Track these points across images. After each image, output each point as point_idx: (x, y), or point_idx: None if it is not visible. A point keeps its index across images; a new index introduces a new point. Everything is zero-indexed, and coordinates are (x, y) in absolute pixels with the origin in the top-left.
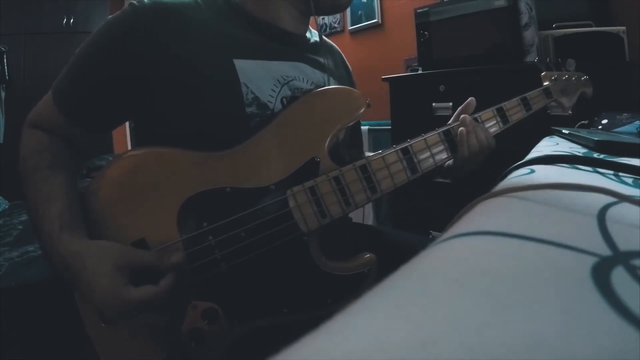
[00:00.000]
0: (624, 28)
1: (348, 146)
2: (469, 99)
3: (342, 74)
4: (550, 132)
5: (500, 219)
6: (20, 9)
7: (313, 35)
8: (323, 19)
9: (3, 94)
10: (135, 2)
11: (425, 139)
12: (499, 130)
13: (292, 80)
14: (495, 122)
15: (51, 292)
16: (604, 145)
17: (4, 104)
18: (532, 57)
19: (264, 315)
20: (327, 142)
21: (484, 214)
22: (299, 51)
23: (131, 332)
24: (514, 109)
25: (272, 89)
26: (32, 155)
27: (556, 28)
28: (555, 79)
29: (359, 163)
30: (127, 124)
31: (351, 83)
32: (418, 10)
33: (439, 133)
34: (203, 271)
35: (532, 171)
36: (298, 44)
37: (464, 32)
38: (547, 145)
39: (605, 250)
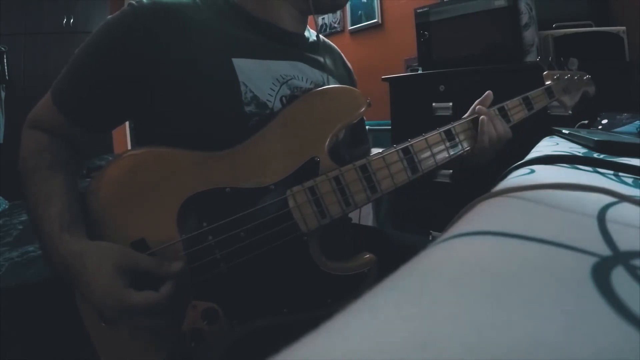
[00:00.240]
0: (624, 28)
1: (354, 144)
2: (487, 92)
3: (342, 73)
4: (550, 132)
5: (500, 219)
6: (20, 9)
7: (311, 34)
8: (323, 19)
9: (3, 94)
10: (134, 2)
11: (426, 138)
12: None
13: (291, 79)
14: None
15: (51, 292)
16: (604, 145)
17: (4, 104)
18: (532, 57)
19: (264, 315)
20: (327, 142)
21: (484, 214)
22: (298, 50)
23: (131, 332)
24: (516, 109)
25: (271, 88)
26: (32, 156)
27: (556, 28)
28: (558, 78)
29: (359, 163)
30: (127, 124)
31: (351, 82)
32: (418, 10)
33: (440, 133)
34: (203, 271)
35: (532, 171)
36: (297, 44)
37: (464, 32)
38: (547, 145)
39: (605, 250)
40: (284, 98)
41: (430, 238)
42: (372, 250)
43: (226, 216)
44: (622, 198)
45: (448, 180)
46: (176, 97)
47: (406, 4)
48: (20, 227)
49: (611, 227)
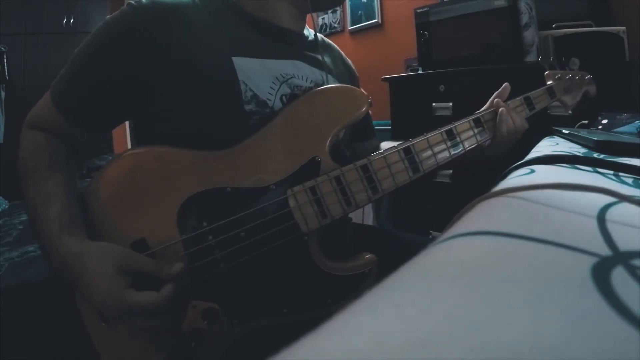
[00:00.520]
0: (624, 28)
1: (362, 139)
2: (504, 84)
3: (342, 71)
4: (550, 132)
5: (500, 219)
6: (20, 9)
7: (310, 33)
8: (323, 18)
9: (3, 94)
10: (133, 2)
11: (427, 138)
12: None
13: (291, 78)
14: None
15: (51, 292)
16: (604, 145)
17: (4, 104)
18: (532, 57)
19: (264, 315)
20: (328, 142)
21: (484, 214)
22: (297, 49)
23: (131, 332)
24: (517, 109)
25: (271, 87)
26: (31, 156)
27: (556, 28)
28: (559, 77)
29: (360, 163)
30: (127, 123)
31: (351, 80)
32: (418, 10)
33: (441, 132)
34: (203, 271)
35: (532, 171)
36: (296, 42)
37: (464, 32)
38: (547, 145)
39: (605, 250)
40: (284, 97)
41: (430, 238)
42: (372, 250)
43: (226, 216)
44: (622, 198)
45: (448, 180)
46: (176, 96)
47: (406, 4)
48: (20, 227)
49: (611, 227)
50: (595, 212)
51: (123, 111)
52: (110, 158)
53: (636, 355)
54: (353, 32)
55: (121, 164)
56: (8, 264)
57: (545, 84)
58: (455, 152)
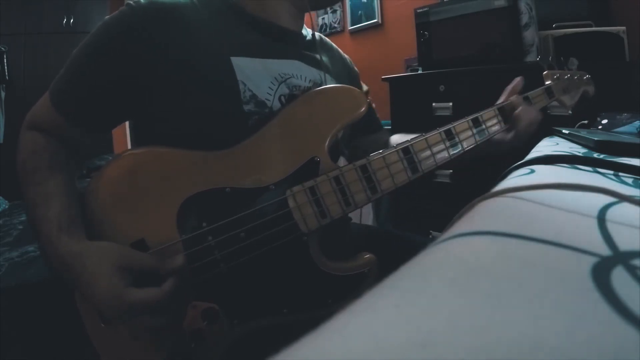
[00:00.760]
0: (624, 28)
1: (369, 132)
2: (518, 78)
3: (340, 70)
4: (550, 132)
5: (500, 219)
6: (20, 9)
7: (308, 33)
8: (323, 18)
9: (3, 94)
10: (131, 2)
11: (426, 138)
12: (501, 130)
13: (290, 78)
14: (496, 121)
15: (51, 292)
16: (604, 145)
17: (4, 104)
18: (532, 57)
19: (264, 315)
20: (327, 142)
21: (484, 214)
22: (295, 48)
23: (132, 332)
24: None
25: (270, 87)
26: (30, 157)
27: (556, 28)
28: (558, 77)
29: (359, 163)
30: (127, 123)
31: (351, 77)
32: (418, 10)
33: (440, 132)
34: (203, 271)
35: (532, 171)
36: (295, 41)
37: (464, 32)
38: (547, 145)
39: (605, 250)
40: (282, 97)
41: (430, 238)
42: (372, 250)
43: (226, 216)
44: (622, 198)
45: (448, 180)
46: (175, 96)
47: (406, 4)
48: (20, 227)
49: (611, 227)
50: (595, 212)
51: (122, 111)
52: (110, 158)
53: (636, 355)
54: (353, 32)
55: (120, 165)
56: (8, 264)
57: (543, 84)
58: (454, 152)
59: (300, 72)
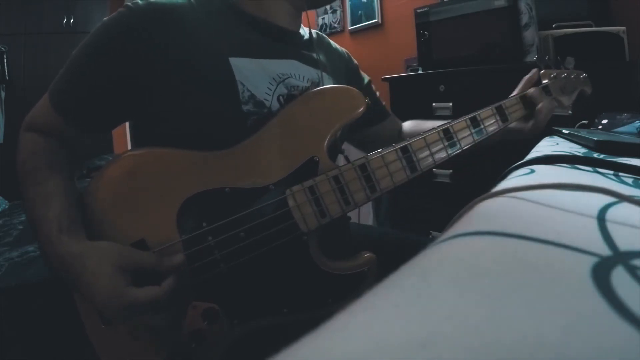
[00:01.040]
0: (624, 28)
1: (376, 121)
2: (533, 70)
3: (338, 66)
4: (550, 132)
5: (500, 219)
6: (20, 9)
7: (306, 32)
8: (323, 18)
9: (3, 94)
10: (130, 3)
11: (424, 137)
12: (498, 129)
13: (288, 78)
14: (494, 120)
15: (51, 292)
16: (604, 145)
17: (4, 104)
18: (532, 57)
19: (264, 315)
20: (326, 142)
21: (484, 214)
22: (293, 48)
23: (132, 332)
24: (513, 107)
25: (268, 87)
26: (30, 158)
27: (556, 28)
28: (555, 76)
29: (358, 162)
30: (127, 123)
31: (350, 72)
32: (418, 10)
33: (438, 132)
34: (203, 271)
35: (532, 171)
36: (292, 41)
37: (464, 32)
38: (547, 145)
39: (605, 250)
40: (281, 97)
41: (430, 238)
42: (372, 250)
43: (226, 216)
44: (622, 198)
45: (448, 180)
46: (174, 97)
47: (406, 4)
48: (20, 227)
49: (611, 227)
50: (595, 212)
51: (121, 112)
52: (110, 158)
53: (636, 355)
54: (353, 32)
55: (120, 165)
56: (8, 264)
57: (541, 83)
58: (453, 151)
59: (298, 71)
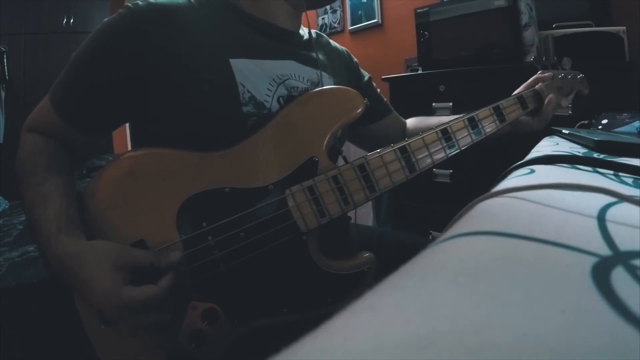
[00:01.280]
0: (624, 28)
1: (378, 117)
2: (534, 76)
3: (338, 65)
4: (550, 132)
5: (500, 219)
6: (20, 9)
7: (305, 32)
8: (323, 18)
9: (3, 94)
10: (130, 5)
11: (422, 137)
12: (496, 129)
13: (288, 79)
14: (492, 120)
15: (51, 292)
16: (604, 145)
17: (4, 104)
18: (532, 57)
19: (264, 315)
20: (325, 142)
21: (484, 214)
22: (293, 48)
23: (131, 333)
24: (511, 107)
25: (269, 89)
26: (29, 158)
27: (556, 28)
28: (552, 77)
29: (357, 162)
30: (127, 124)
31: (350, 70)
32: (418, 10)
33: (436, 132)
34: (203, 271)
35: (532, 171)
36: (292, 41)
37: (464, 32)
38: (547, 145)
39: (605, 250)
40: (281, 98)
41: (430, 238)
42: (372, 251)
43: (225, 216)
44: (622, 198)
45: (448, 180)
46: (174, 98)
47: (406, 4)
48: (20, 227)
49: (611, 227)
50: (595, 212)
51: (122, 114)
52: (110, 158)
53: (636, 355)
54: (353, 32)
55: (120, 166)
56: (8, 264)
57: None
58: (451, 152)
59: (298, 72)
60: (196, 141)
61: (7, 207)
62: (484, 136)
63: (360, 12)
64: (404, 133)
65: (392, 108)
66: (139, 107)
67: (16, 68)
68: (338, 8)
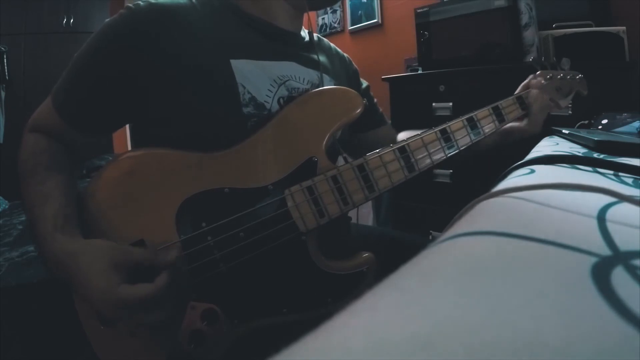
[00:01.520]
0: (624, 28)
1: (373, 126)
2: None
3: (339, 69)
4: (550, 132)
5: (500, 219)
6: (20, 9)
7: (306, 34)
8: (323, 18)
9: (3, 94)
10: (131, 5)
11: (422, 137)
12: (495, 129)
13: (289, 80)
14: (491, 120)
15: (51, 292)
16: (604, 145)
17: (4, 104)
18: (533, 57)
19: (263, 315)
20: (324, 142)
21: (484, 214)
22: (294, 49)
23: (131, 333)
24: (510, 108)
25: (269, 89)
26: (30, 157)
27: (556, 28)
28: (551, 77)
29: (356, 162)
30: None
31: (350, 76)
32: (418, 10)
33: (435, 132)
34: (202, 272)
35: (532, 171)
36: (293, 42)
37: (464, 32)
38: (547, 145)
39: (605, 250)
40: (281, 99)
41: (430, 238)
42: (372, 251)
43: (225, 216)
44: (622, 198)
45: (448, 180)
46: (175, 99)
47: (406, 4)
48: (20, 227)
49: (611, 227)
50: (595, 212)
51: (123, 114)
52: (110, 158)
53: (636, 355)
54: (353, 32)
55: (119, 166)
56: (8, 264)
57: None
58: (450, 152)
59: (298, 73)
60: (196, 142)
61: (7, 207)
62: (482, 136)
63: (360, 12)
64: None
65: (387, 120)
66: (140, 108)
67: (16, 68)
68: (338, 8)
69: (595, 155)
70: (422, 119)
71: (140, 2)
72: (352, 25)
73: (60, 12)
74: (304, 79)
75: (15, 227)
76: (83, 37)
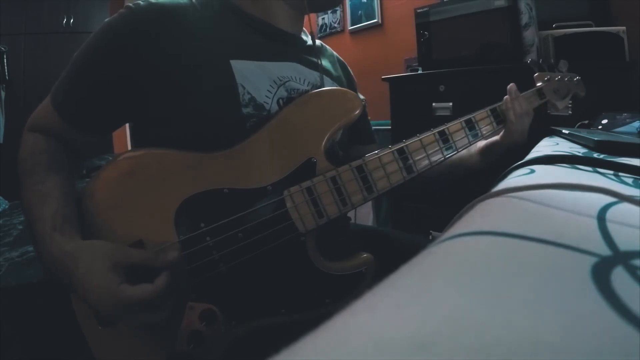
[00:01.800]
0: (624, 28)
1: (361, 142)
2: (510, 84)
3: (340, 75)
4: (550, 132)
5: (500, 219)
6: (20, 9)
7: (308, 37)
8: (323, 19)
9: (3, 94)
10: (131, 4)
11: (420, 139)
12: (493, 130)
13: (288, 81)
14: (489, 122)
15: (51, 292)
16: (604, 145)
17: (4, 104)
18: (532, 57)
19: (262, 315)
20: (323, 143)
21: (484, 214)
22: (294, 51)
23: (130, 333)
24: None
25: (269, 90)
26: (30, 157)
27: (556, 28)
28: (548, 79)
29: (355, 163)
30: (127, 124)
31: (350, 84)
32: (418, 10)
33: (434, 133)
34: (201, 272)
35: (532, 171)
36: (293, 44)
37: (464, 32)
38: (547, 145)
39: (605, 250)
40: (281, 100)
41: (430, 238)
42: (372, 251)
43: (224, 217)
44: (622, 198)
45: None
46: (174, 99)
47: (406, 4)
48: (20, 227)
49: (611, 227)
50: (595, 212)
51: (122, 114)
52: (110, 158)
53: (636, 355)
54: (353, 32)
55: (118, 166)
56: (8, 264)
57: (535, 86)
58: (449, 153)
59: (298, 74)
60: (196, 142)
61: (7, 207)
62: (481, 137)
63: (360, 12)
64: None
65: (376, 140)
66: (139, 107)
67: (16, 68)
68: (338, 8)
69: (595, 155)
70: (422, 119)
71: (140, 1)
72: (352, 25)
73: (60, 12)
74: (304, 80)
75: (15, 227)
76: (83, 37)
